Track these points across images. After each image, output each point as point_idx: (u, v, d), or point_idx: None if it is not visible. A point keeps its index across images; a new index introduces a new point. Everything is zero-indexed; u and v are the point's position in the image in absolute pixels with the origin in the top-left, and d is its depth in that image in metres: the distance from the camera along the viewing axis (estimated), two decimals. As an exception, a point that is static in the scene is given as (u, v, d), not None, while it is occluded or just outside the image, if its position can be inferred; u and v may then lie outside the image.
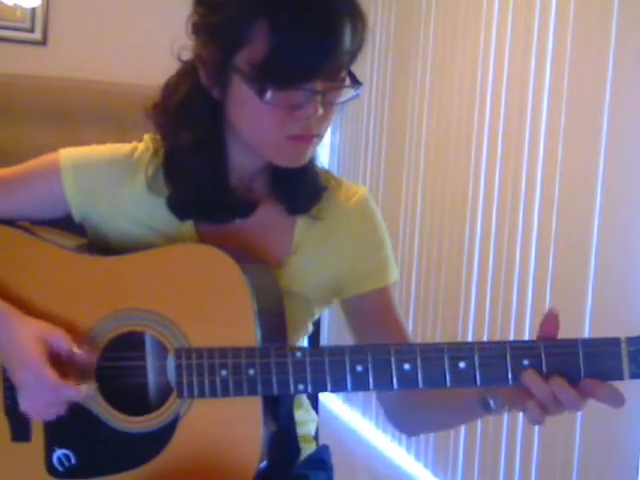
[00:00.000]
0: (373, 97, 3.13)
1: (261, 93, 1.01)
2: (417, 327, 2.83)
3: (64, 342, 1.07)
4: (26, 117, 3.17)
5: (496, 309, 2.36)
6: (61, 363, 1.07)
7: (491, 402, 1.04)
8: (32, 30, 3.49)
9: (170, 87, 1.15)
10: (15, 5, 3.41)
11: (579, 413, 1.96)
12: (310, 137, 1.07)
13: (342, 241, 1.22)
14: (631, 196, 1.88)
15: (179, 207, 1.15)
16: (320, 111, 1.03)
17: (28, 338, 1.07)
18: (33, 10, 3.48)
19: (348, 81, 1.07)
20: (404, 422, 1.27)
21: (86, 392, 1.07)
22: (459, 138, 2.59)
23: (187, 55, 1.13)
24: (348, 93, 1.07)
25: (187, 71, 1.13)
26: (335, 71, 1.05)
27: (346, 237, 1.23)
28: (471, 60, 2.53)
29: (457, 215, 2.59)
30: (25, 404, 1.08)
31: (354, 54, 1.06)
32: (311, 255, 1.20)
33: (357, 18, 1.05)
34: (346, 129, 3.40)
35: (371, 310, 1.24)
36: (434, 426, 1.37)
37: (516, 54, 2.31)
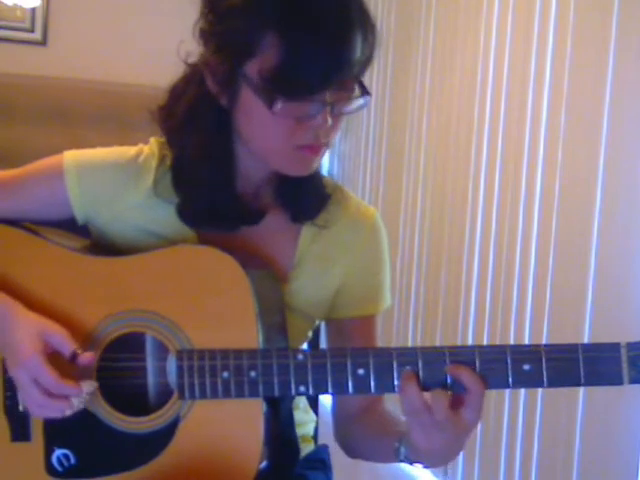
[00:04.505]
0: (373, 97, 3.13)
1: (270, 104, 1.00)
2: (417, 328, 2.83)
3: (64, 341, 1.07)
4: (26, 117, 3.17)
5: (496, 310, 2.36)
6: (60, 362, 1.07)
7: (402, 449, 1.05)
8: (32, 30, 3.50)
9: (177, 91, 1.14)
10: (15, 5, 3.41)
11: (579, 413, 1.96)
12: (319, 147, 1.06)
13: (345, 259, 1.21)
14: (631, 196, 1.88)
15: (188, 215, 1.14)
16: (329, 122, 1.02)
17: (25, 334, 1.06)
18: (33, 10, 3.49)
19: (357, 91, 1.05)
20: (346, 440, 1.26)
21: (86, 390, 1.06)
22: (459, 138, 2.59)
23: (193, 59, 1.11)
24: (357, 102, 1.05)
25: (194, 75, 1.12)
26: (345, 82, 1.03)
27: (349, 256, 1.22)
28: (471, 60, 2.53)
29: (457, 216, 2.59)
30: (22, 401, 1.09)
31: (365, 64, 1.04)
32: (313, 270, 1.19)
33: (368, 28, 1.03)
34: (346, 129, 3.40)
35: (352, 335, 1.24)
36: (370, 457, 1.25)
37: (516, 54, 2.31)
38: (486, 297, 2.41)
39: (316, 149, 1.06)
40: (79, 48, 3.50)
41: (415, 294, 2.84)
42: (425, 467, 1.09)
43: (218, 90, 1.07)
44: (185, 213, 1.14)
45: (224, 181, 1.13)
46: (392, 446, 1.07)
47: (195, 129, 1.10)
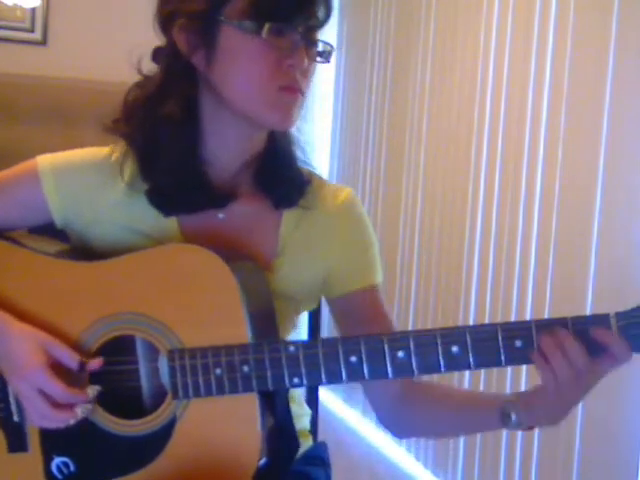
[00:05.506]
0: (373, 97, 3.13)
1: (259, 29, 1.05)
2: (417, 327, 2.83)
3: (67, 353, 1.07)
4: (26, 117, 3.17)
5: (496, 309, 2.36)
6: (57, 371, 1.06)
7: (513, 415, 1.04)
8: (32, 30, 3.49)
9: (131, 92, 1.18)
10: (15, 5, 3.40)
11: (579, 413, 1.96)
12: (297, 89, 1.10)
13: (328, 241, 1.22)
14: (631, 196, 1.88)
15: (159, 199, 1.15)
16: (305, 62, 1.08)
17: (25, 346, 1.06)
18: (33, 10, 3.48)
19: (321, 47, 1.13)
20: (400, 420, 1.24)
21: (91, 395, 1.07)
22: (459, 138, 2.59)
23: (146, 67, 1.18)
24: (323, 56, 1.13)
25: (149, 78, 1.16)
26: (313, 31, 1.11)
27: (333, 237, 1.23)
28: (471, 60, 2.53)
29: (457, 215, 2.58)
30: (27, 412, 1.08)
31: (327, 13, 1.11)
32: (297, 257, 1.20)
33: None
34: (346, 130, 3.40)
35: (359, 309, 1.24)
36: (438, 429, 1.26)
37: (516, 54, 2.31)
38: (486, 298, 2.41)
39: (295, 91, 1.10)
40: (79, 48, 3.49)
41: (415, 294, 2.84)
42: (539, 427, 1.08)
43: (194, 46, 1.10)
44: (155, 198, 1.14)
45: (191, 156, 1.14)
46: (488, 416, 1.07)
47: (166, 96, 1.12)
